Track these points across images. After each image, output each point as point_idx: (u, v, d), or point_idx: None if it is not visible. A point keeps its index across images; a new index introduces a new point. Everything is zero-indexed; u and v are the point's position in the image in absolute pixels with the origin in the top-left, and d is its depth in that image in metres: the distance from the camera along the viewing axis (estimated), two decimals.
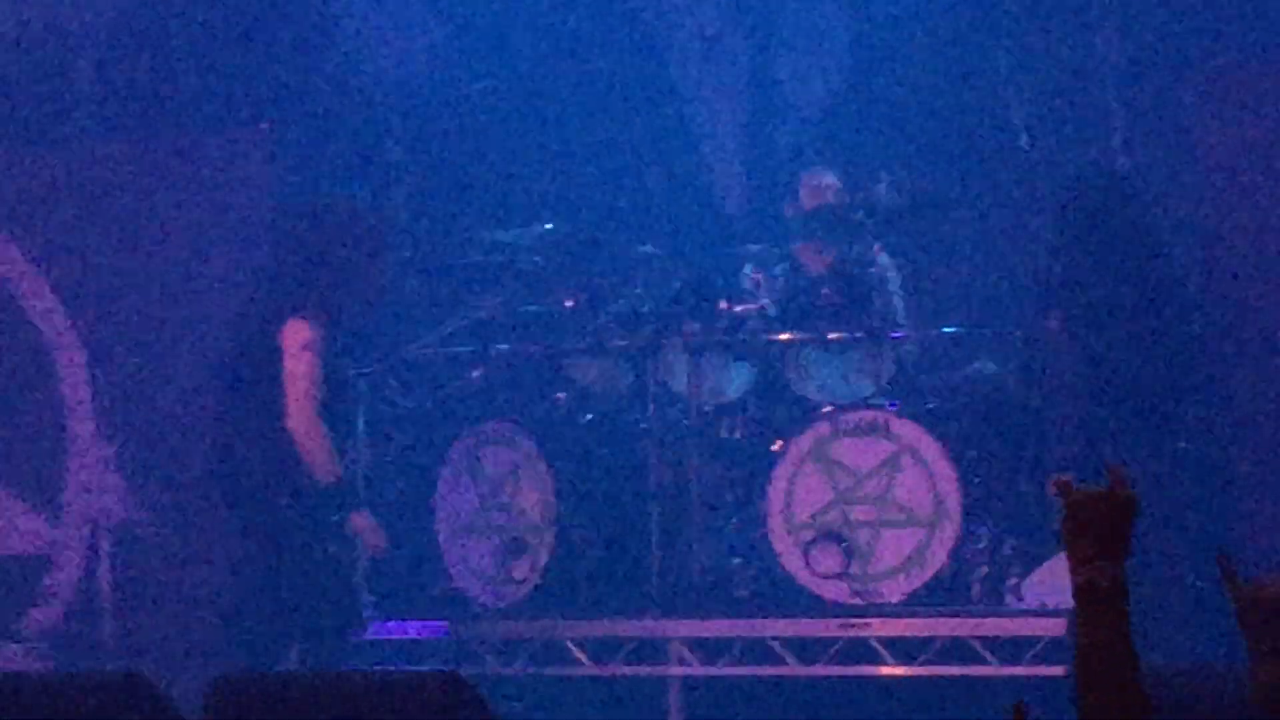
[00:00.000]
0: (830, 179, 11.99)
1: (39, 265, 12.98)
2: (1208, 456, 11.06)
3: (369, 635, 11.29)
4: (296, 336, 10.86)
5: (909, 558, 10.73)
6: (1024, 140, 11.67)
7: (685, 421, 11.34)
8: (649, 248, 12.01)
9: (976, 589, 10.78)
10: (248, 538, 11.22)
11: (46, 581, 12.71)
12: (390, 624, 11.49)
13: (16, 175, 13.28)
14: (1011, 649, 10.44)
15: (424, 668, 10.29)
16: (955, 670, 10.56)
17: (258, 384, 11.13)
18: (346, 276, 11.26)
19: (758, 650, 10.91)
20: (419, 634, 11.51)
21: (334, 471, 10.81)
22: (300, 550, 10.91)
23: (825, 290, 11.34)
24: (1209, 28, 12.40)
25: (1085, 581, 4.41)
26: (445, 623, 11.48)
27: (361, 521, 10.92)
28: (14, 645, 12.58)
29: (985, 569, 10.80)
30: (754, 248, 11.96)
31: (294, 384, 10.86)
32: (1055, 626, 10.28)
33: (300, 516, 10.90)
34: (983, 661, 10.48)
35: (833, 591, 10.74)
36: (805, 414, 11.16)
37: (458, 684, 7.64)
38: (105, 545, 12.60)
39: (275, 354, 11.03)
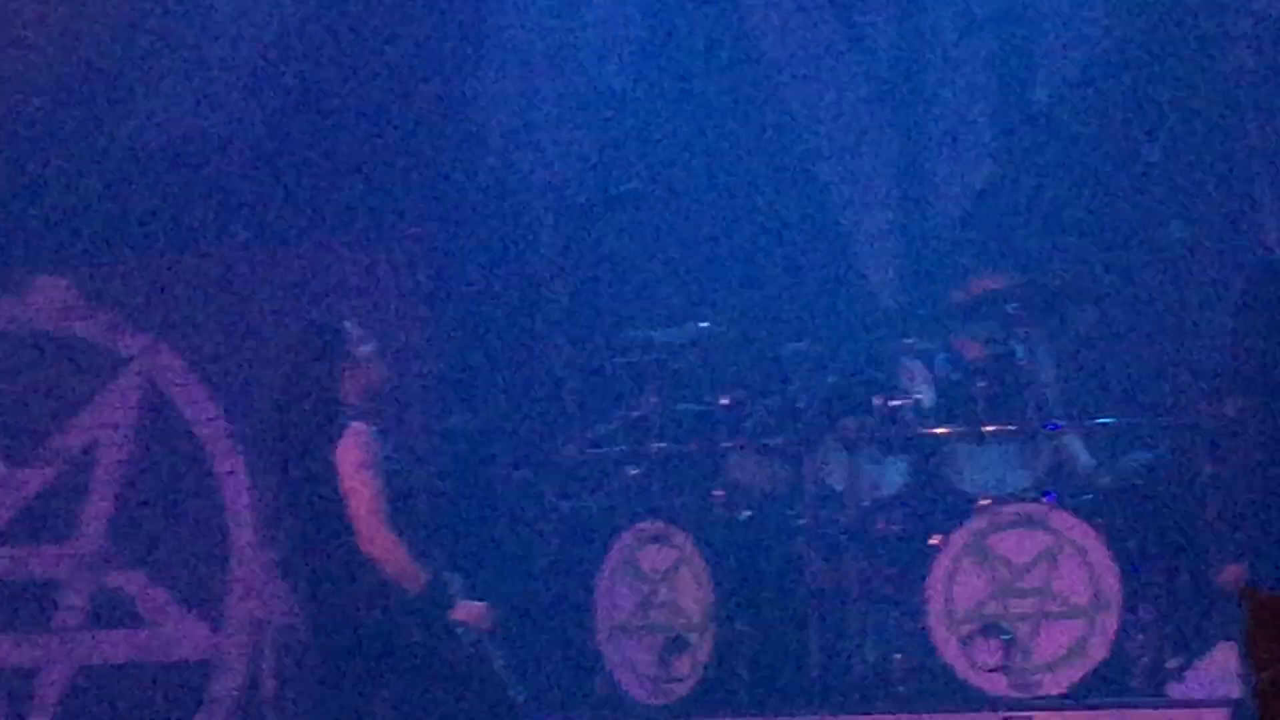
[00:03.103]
0: (993, 280, 11.83)
1: (199, 373, 13.05)
2: None
3: None
4: (349, 458, 10.82)
5: (1070, 649, 10.60)
6: (1175, 229, 11.45)
7: (842, 518, 11.28)
8: (804, 344, 11.84)
9: (1138, 679, 10.66)
10: (394, 644, 10.90)
11: (210, 687, 12.75)
12: None
13: (178, 285, 13.36)
14: None
15: None
16: None
17: None
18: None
19: None
20: None
21: (418, 577, 10.66)
22: (436, 649, 10.78)
23: (981, 383, 11.29)
24: None
25: (1270, 680, 4.49)
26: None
27: (464, 611, 10.74)
28: None
29: (1146, 659, 10.66)
30: (909, 341, 11.91)
31: (357, 504, 10.76)
32: (1217, 717, 10.12)
33: (412, 620, 10.80)
34: None
35: (994, 684, 10.66)
36: (962, 508, 11.07)
37: None
38: (267, 650, 12.46)
39: None
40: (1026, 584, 10.73)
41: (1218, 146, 12.46)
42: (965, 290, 11.94)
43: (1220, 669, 10.22)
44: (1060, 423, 11.34)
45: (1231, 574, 10.13)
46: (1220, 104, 12.57)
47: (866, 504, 11.29)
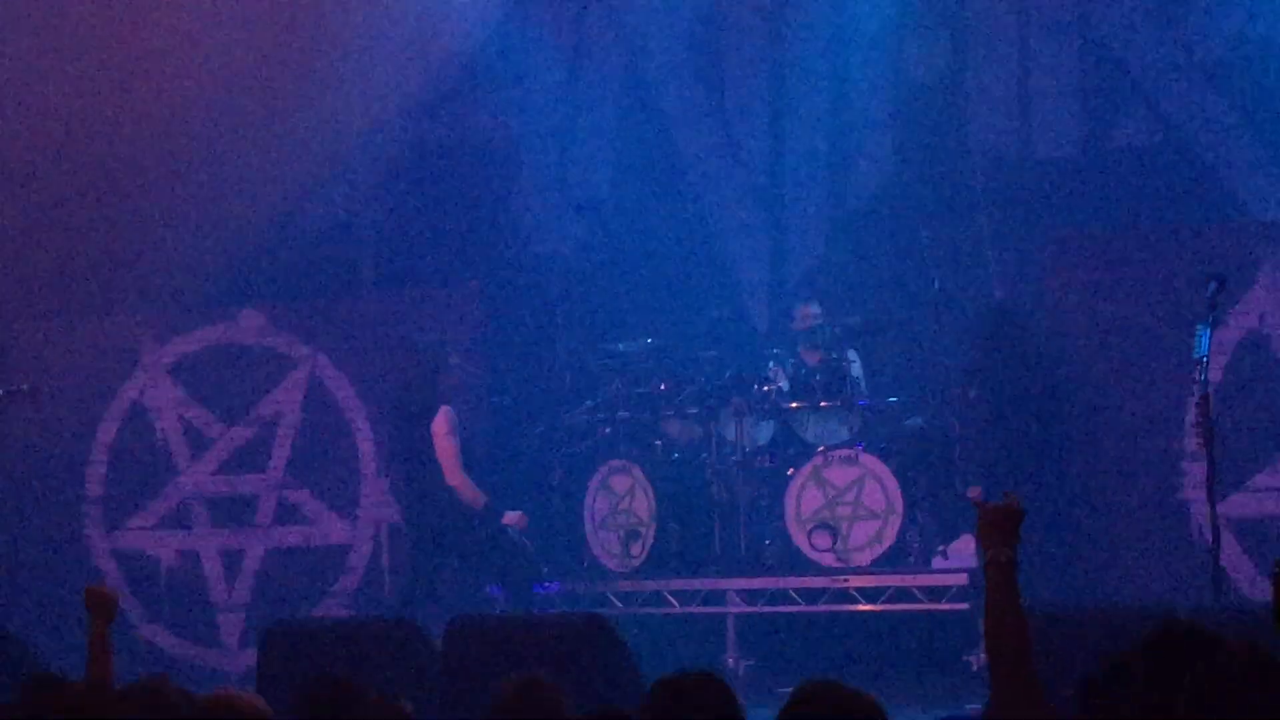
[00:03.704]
0: (815, 309, 11.78)
1: (341, 369, 12.97)
2: (1064, 483, 11.09)
3: (540, 589, 11.10)
4: (440, 427, 10.94)
5: (871, 538, 10.78)
6: (936, 282, 11.35)
7: (734, 458, 11.32)
8: (712, 352, 11.86)
9: (914, 557, 10.81)
10: (463, 537, 11.17)
11: (347, 562, 12.81)
12: (553, 583, 11.26)
13: (331, 315, 13.24)
14: (935, 593, 10.48)
15: (578, 611, 10.09)
16: (901, 607, 10.58)
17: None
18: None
19: (779, 597, 10.91)
20: (566, 590, 11.36)
21: (480, 499, 10.93)
22: (489, 540, 11.03)
23: (818, 376, 11.35)
24: (1061, 205, 12.18)
25: (991, 558, 4.62)
26: (587, 582, 11.46)
27: (510, 517, 10.96)
28: (330, 601, 12.65)
29: (918, 544, 10.84)
30: (775, 351, 11.82)
31: (443, 454, 10.96)
32: (961, 579, 10.32)
33: (474, 523, 11.04)
34: (918, 601, 10.54)
35: (825, 559, 10.81)
36: (806, 452, 11.14)
37: (600, 622, 7.92)
38: (384, 539, 12.67)
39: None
40: (845, 499, 10.86)
41: (963, 232, 12.20)
42: (799, 315, 11.82)
43: (965, 550, 10.41)
44: (866, 400, 11.38)
45: (973, 492, 10.22)
46: (964, 207, 12.32)
47: (749, 450, 11.34)
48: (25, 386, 11.89)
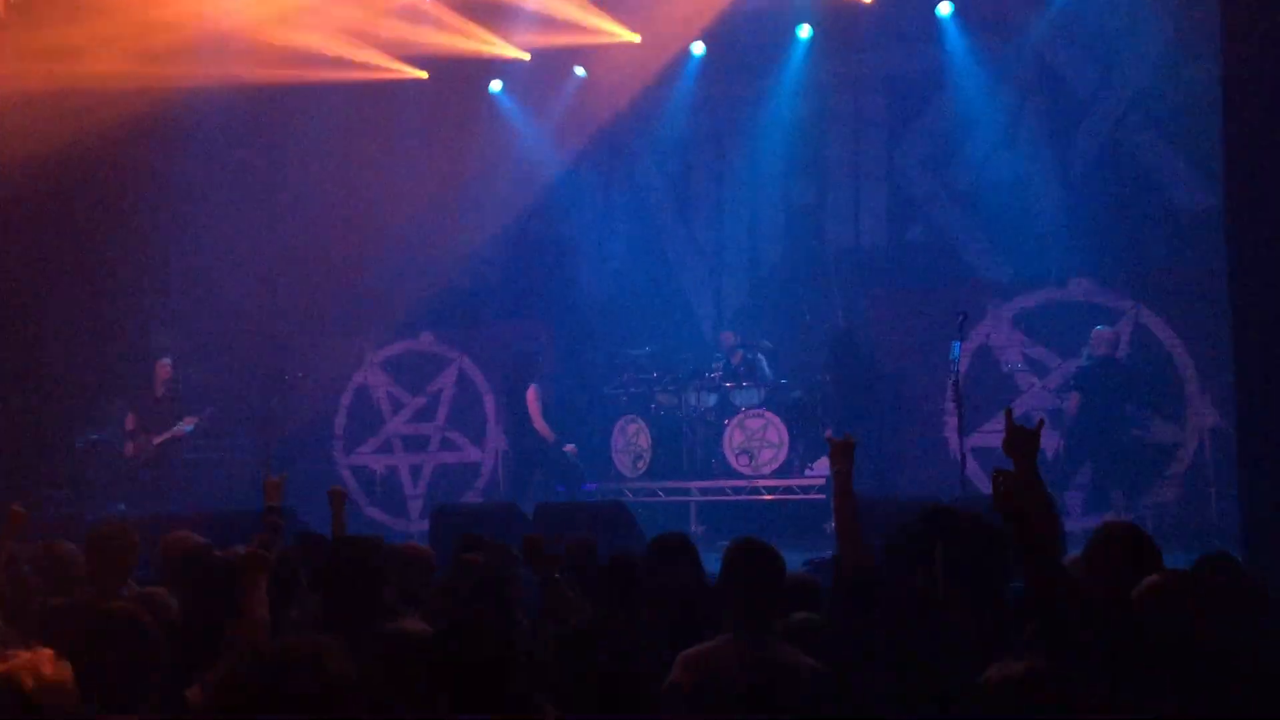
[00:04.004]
0: (730, 334, 11.41)
1: (476, 364, 12.47)
2: (880, 428, 10.62)
3: (586, 488, 10.93)
4: (531, 396, 10.87)
5: (771, 459, 10.59)
6: (807, 316, 11.20)
7: (695, 414, 11.07)
8: (682, 355, 11.59)
9: (795, 470, 10.56)
10: (542, 457, 10.89)
11: (480, 471, 12.27)
12: (594, 484, 11.03)
13: (470, 334, 12.69)
14: (805, 490, 10.29)
15: (607, 500, 9.63)
16: (787, 497, 10.35)
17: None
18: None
19: (719, 492, 10.71)
20: (601, 488, 11.02)
21: (551, 436, 10.81)
22: (557, 459, 10.91)
23: (741, 368, 11.12)
24: (877, 274, 11.50)
25: (837, 470, 4.37)
26: (612, 484, 11.08)
27: (569, 447, 10.82)
28: (470, 493, 12.23)
29: (797, 463, 10.61)
30: (717, 354, 11.42)
31: (533, 411, 10.85)
32: (820, 481, 10.10)
33: (549, 450, 10.93)
34: (796, 494, 10.35)
35: (746, 471, 10.62)
36: (734, 410, 10.86)
37: (620, 506, 7.99)
38: (500, 459, 12.02)
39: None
40: (756, 437, 10.67)
41: (821, 288, 11.60)
42: (723, 337, 11.51)
43: (822, 466, 10.04)
44: (768, 382, 11.02)
45: (828, 434, 7.81)
46: (822, 273, 11.73)
47: (702, 409, 11.12)
48: (301, 374, 11.69)
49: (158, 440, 10.60)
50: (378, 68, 11.64)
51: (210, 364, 11.59)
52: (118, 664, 3.13)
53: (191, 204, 11.36)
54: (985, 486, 9.58)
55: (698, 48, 11.72)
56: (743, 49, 11.47)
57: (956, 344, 8.70)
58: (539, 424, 10.96)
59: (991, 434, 10.11)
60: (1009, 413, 3.75)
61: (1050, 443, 9.37)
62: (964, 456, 8.66)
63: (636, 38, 11.41)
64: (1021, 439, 3.52)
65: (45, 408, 10.37)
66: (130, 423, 10.72)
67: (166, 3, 9.65)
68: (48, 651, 2.79)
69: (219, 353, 11.81)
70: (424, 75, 11.93)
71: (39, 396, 10.32)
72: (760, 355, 11.35)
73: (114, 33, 9.51)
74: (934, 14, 11.03)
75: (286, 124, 11.99)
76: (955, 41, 10.98)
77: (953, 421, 9.38)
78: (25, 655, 2.75)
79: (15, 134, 9.11)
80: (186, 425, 10.55)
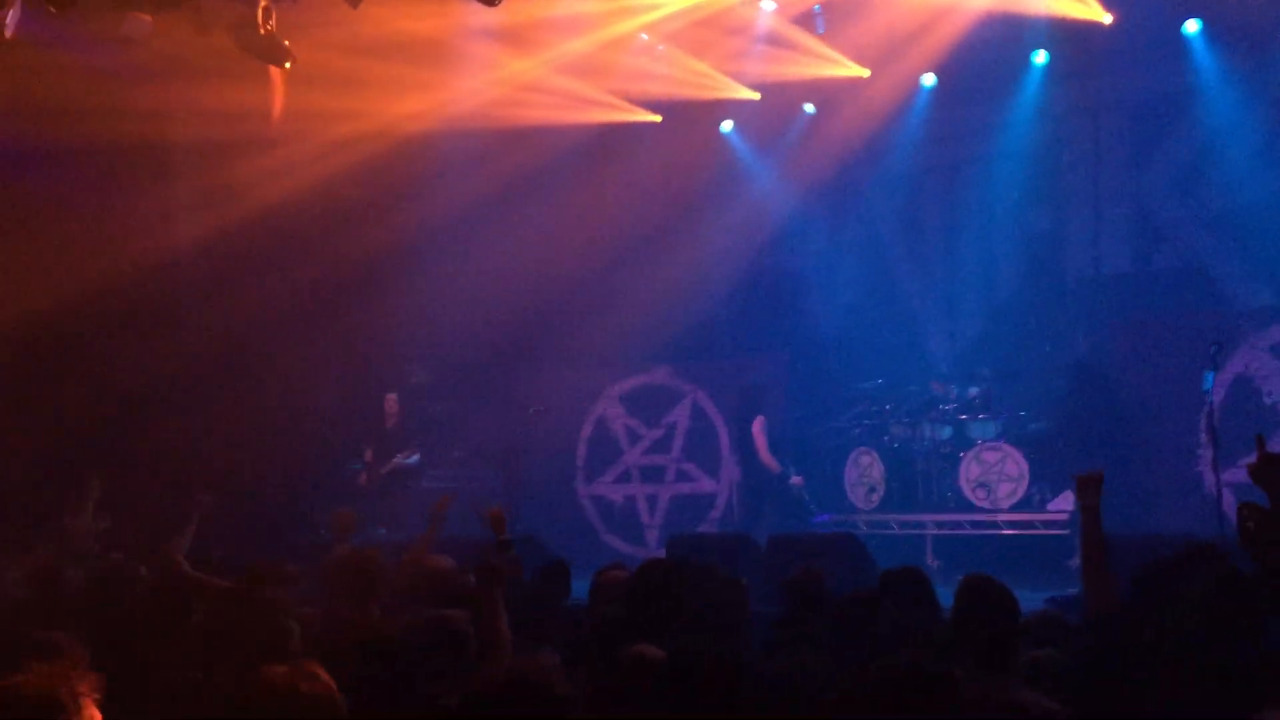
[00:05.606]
0: (938, 384, 11.02)
1: (709, 397, 12.38)
2: (1131, 461, 10.03)
3: (820, 519, 10.77)
4: (757, 427, 10.83)
5: (1010, 492, 10.09)
6: (1048, 347, 10.85)
7: (929, 446, 10.79)
8: (914, 387, 11.37)
9: (1035, 503, 10.03)
10: (770, 489, 10.79)
11: (715, 502, 12.31)
12: (828, 515, 10.88)
13: (704, 368, 12.58)
14: (1048, 524, 9.78)
15: (840, 531, 9.38)
16: (1028, 532, 9.85)
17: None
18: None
19: (956, 526, 10.30)
20: (834, 519, 10.84)
21: (776, 468, 10.75)
22: (780, 493, 10.73)
23: (976, 402, 10.83)
24: (1121, 301, 11.20)
25: (1084, 505, 4.29)
26: (847, 515, 10.92)
27: (795, 479, 10.76)
28: (704, 524, 11.87)
29: (1038, 497, 10.04)
30: (953, 386, 11.05)
31: (759, 446, 10.80)
32: (1064, 516, 9.62)
33: (774, 482, 10.79)
34: (1037, 529, 9.83)
35: (984, 504, 10.28)
36: (971, 443, 10.58)
37: (852, 538, 7.86)
38: (734, 490, 12.01)
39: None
40: (994, 469, 10.21)
41: (1059, 317, 11.52)
42: (932, 384, 11.19)
43: (1065, 500, 9.86)
44: (1005, 415, 10.64)
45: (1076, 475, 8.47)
46: (1059, 303, 11.64)
47: (936, 442, 10.79)
48: (541, 408, 12.03)
49: (384, 470, 11.08)
50: (614, 109, 11.90)
51: (455, 397, 12.08)
52: (383, 682, 3.32)
53: (439, 245, 11.80)
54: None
55: (928, 79, 11.66)
56: (975, 78, 11.36)
57: (1210, 374, 8.43)
58: (765, 456, 10.97)
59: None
60: (1260, 439, 3.64)
61: None
62: (1219, 492, 8.33)
63: (866, 72, 11.45)
64: (1275, 467, 3.39)
65: (311, 445, 11.07)
66: (369, 455, 11.26)
67: (410, 96, 10.14)
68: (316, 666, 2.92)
69: (465, 385, 12.24)
70: (658, 119, 12.17)
71: (302, 437, 10.98)
72: (973, 391, 11.09)
73: (366, 128, 10.17)
74: (1179, 32, 10.73)
75: (528, 164, 12.02)
76: (1204, 59, 10.65)
77: (1207, 455, 9.05)
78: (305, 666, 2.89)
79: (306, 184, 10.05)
80: (409, 457, 10.97)
